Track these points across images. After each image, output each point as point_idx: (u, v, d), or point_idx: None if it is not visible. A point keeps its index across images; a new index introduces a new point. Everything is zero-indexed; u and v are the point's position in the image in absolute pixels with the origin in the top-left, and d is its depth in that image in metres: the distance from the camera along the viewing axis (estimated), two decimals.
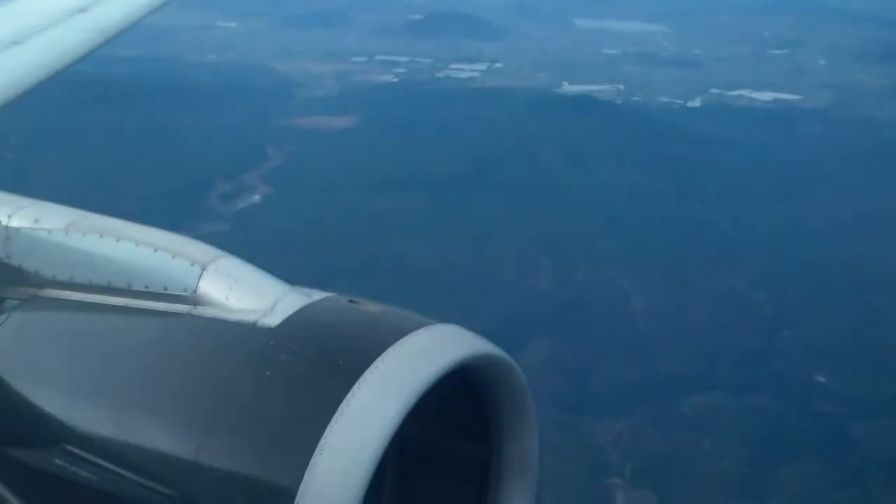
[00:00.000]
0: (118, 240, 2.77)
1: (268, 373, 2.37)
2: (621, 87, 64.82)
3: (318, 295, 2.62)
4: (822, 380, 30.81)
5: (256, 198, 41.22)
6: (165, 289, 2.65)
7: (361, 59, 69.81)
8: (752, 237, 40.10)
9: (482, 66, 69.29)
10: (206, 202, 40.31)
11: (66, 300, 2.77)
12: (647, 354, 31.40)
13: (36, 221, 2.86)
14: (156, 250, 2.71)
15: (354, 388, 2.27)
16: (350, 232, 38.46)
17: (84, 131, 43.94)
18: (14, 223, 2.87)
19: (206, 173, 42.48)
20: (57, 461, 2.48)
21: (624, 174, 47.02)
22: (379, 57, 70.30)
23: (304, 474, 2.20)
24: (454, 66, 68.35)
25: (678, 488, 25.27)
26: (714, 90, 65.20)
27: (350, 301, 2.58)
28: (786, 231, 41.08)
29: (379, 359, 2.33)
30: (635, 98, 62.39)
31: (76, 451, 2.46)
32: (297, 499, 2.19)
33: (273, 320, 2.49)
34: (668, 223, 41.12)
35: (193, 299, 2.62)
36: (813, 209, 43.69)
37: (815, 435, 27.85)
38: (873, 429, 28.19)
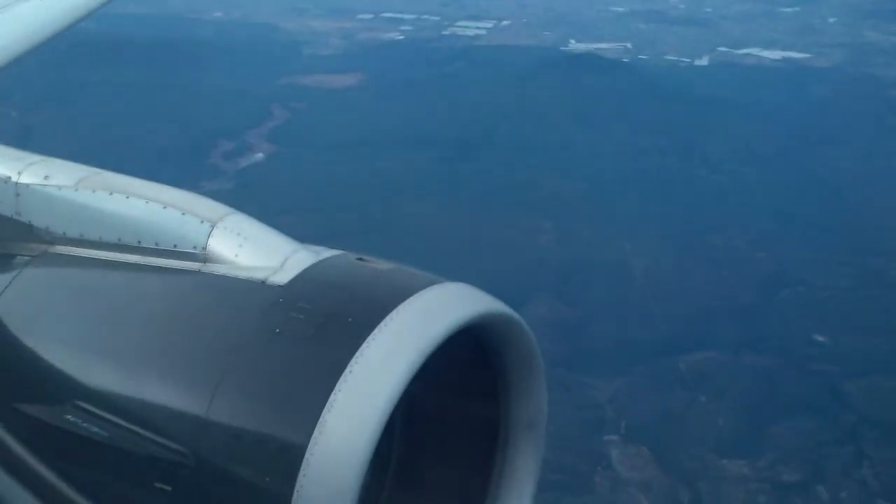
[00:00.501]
0: (128, 196, 2.76)
1: (277, 330, 2.37)
2: (629, 45, 64.38)
3: (327, 252, 2.62)
4: (819, 339, 30.96)
5: (259, 156, 41.34)
6: (175, 246, 2.65)
7: (367, 16, 69.44)
8: (755, 197, 40.09)
9: (489, 24, 68.84)
10: (209, 160, 40.48)
11: (76, 257, 2.76)
12: (646, 314, 31.60)
13: (46, 178, 2.85)
14: (165, 207, 2.70)
15: (364, 345, 2.28)
16: (353, 190, 38.61)
17: (88, 89, 44.06)
18: (24, 179, 2.85)
19: (210, 131, 42.58)
20: (69, 417, 2.48)
21: (629, 134, 46.90)
22: (385, 14, 69.91)
23: (313, 431, 2.20)
24: (460, 23, 67.92)
25: (672, 445, 25.56)
26: (722, 48, 64.70)
27: (359, 259, 2.59)
28: (789, 191, 41.04)
29: (388, 317, 2.33)
30: (643, 56, 62.01)
31: (87, 406, 2.46)
32: (307, 455, 2.20)
33: (282, 278, 2.49)
34: (672, 183, 41.15)
35: (203, 256, 2.62)
36: (818, 169, 43.61)
37: (810, 393, 28.06)
38: (868, 387, 28.40)
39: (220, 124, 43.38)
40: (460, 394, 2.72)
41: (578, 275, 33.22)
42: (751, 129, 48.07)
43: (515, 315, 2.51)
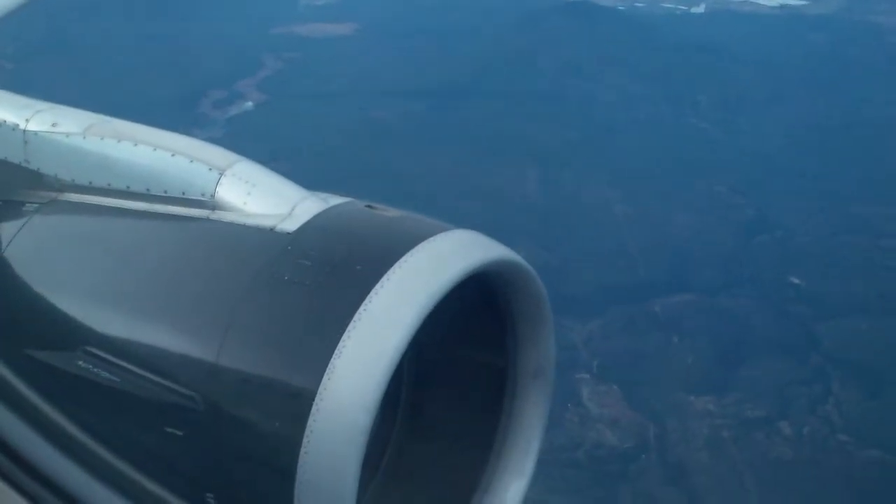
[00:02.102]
0: (136, 144, 2.75)
1: (286, 277, 2.38)
2: None
3: (335, 200, 2.61)
4: (795, 281, 31.47)
5: (249, 105, 41.74)
6: (184, 193, 2.65)
7: None
8: (742, 145, 40.38)
9: None
10: (199, 109, 40.90)
11: (85, 204, 2.76)
12: (626, 258, 32.14)
13: (54, 125, 2.84)
14: (174, 155, 2.71)
15: (372, 292, 2.28)
16: (343, 139, 39.05)
17: (79, 39, 44.42)
18: (32, 127, 2.85)
19: (202, 81, 42.95)
20: (80, 363, 2.49)
21: (622, 82, 47.05)
22: None
23: (322, 377, 2.22)
24: None
25: (642, 383, 26.26)
26: None
27: (367, 206, 2.59)
28: (777, 138, 41.29)
29: (397, 264, 2.33)
30: (638, 4, 61.79)
31: (98, 352, 2.49)
32: (316, 401, 2.21)
33: (291, 225, 2.50)
34: (660, 131, 41.39)
35: (212, 204, 2.62)
36: (809, 118, 43.73)
37: (782, 334, 28.67)
38: (839, 329, 28.97)
39: (211, 74, 43.72)
40: (469, 341, 2.76)
41: (561, 220, 33.72)
42: (745, 77, 48.13)
43: (524, 262, 2.52)
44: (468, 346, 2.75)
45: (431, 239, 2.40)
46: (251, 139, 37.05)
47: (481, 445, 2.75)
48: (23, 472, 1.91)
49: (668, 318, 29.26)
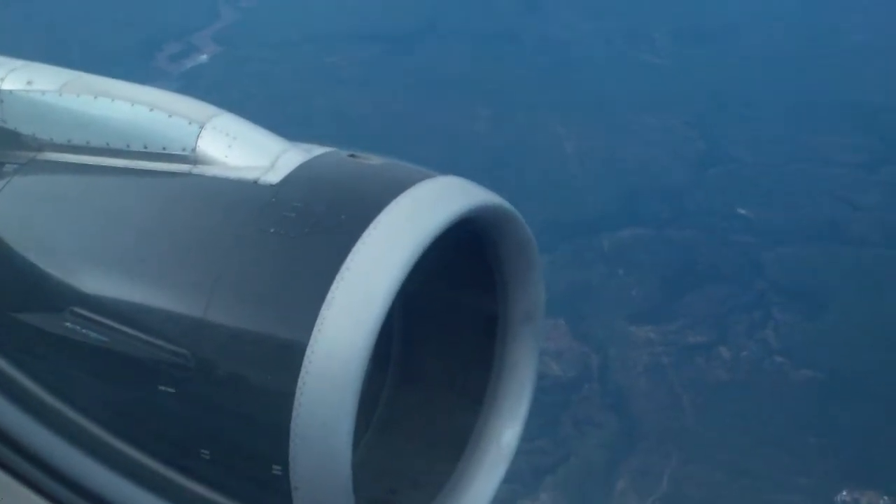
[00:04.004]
0: (113, 100, 2.71)
1: (272, 230, 2.37)
2: None
3: (318, 150, 2.59)
4: (742, 212, 31.89)
5: (203, 57, 41.70)
6: (164, 148, 2.61)
7: None
8: (697, 80, 40.45)
9: None
10: (154, 62, 40.84)
11: (64, 163, 2.71)
12: (574, 195, 32.51)
13: (29, 83, 2.79)
14: (152, 109, 2.66)
15: (359, 241, 2.27)
16: (297, 86, 39.12)
17: None
18: (6, 86, 2.80)
19: (156, 34, 42.79)
20: (67, 324, 2.48)
21: (578, 21, 46.94)
22: None
23: (313, 328, 2.21)
24: None
25: (587, 316, 26.77)
26: None
27: (350, 155, 2.56)
28: (733, 70, 41.35)
29: (383, 212, 2.32)
30: None
31: (85, 312, 2.46)
32: (308, 352, 2.21)
33: (274, 177, 2.48)
34: (613, 69, 41.48)
35: (193, 158, 2.58)
36: (764, 48, 43.78)
37: (726, 263, 29.18)
38: (783, 256, 29.50)
39: (167, 27, 43.56)
40: (458, 288, 2.76)
41: (511, 159, 33.99)
42: (703, 12, 48.06)
43: (510, 207, 2.53)
44: (457, 293, 2.77)
45: (416, 186, 2.38)
46: (205, 92, 37.19)
47: (473, 393, 2.77)
48: (11, 452, 1.79)
49: (615, 252, 29.71)
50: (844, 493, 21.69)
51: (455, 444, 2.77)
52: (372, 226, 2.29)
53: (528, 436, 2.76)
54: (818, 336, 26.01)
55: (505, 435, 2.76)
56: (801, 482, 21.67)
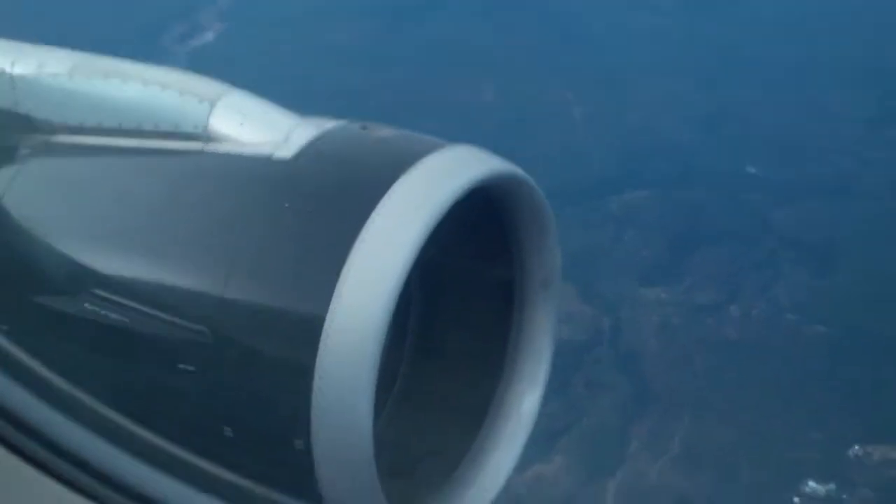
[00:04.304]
0: (124, 81, 2.70)
1: (286, 204, 2.37)
2: None
3: (329, 123, 2.59)
4: (752, 171, 31.73)
5: (209, 35, 41.74)
6: (177, 127, 2.61)
7: None
8: (701, 39, 40.16)
9: None
10: (160, 43, 40.93)
11: (78, 145, 2.70)
12: (582, 159, 32.43)
13: (40, 67, 2.78)
14: (163, 89, 2.66)
15: (374, 213, 2.27)
16: (302, 62, 39.16)
17: None
18: (18, 70, 2.79)
19: (160, 15, 42.87)
20: (87, 305, 2.47)
21: None
22: None
23: (329, 302, 2.21)
24: None
25: (596, 279, 26.77)
26: None
27: (363, 127, 2.57)
28: (738, 29, 40.97)
29: (397, 183, 2.31)
30: None
31: (105, 294, 2.45)
32: (326, 325, 2.22)
33: (287, 152, 2.48)
34: (619, 33, 41.19)
35: (205, 136, 2.58)
36: (771, 5, 43.35)
37: (736, 222, 29.09)
38: (793, 212, 29.39)
39: (170, 7, 43.60)
40: (473, 257, 2.77)
41: (518, 127, 33.90)
42: None
43: (524, 174, 2.54)
44: (472, 262, 2.78)
45: (429, 156, 2.39)
46: (212, 70, 37.11)
47: (492, 361, 2.78)
48: (29, 440, 1.74)
49: (623, 214, 29.67)
50: (857, 447, 21.73)
51: (476, 413, 2.77)
52: (386, 197, 2.29)
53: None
54: (829, 292, 25.96)
55: (525, 401, 2.77)
56: (814, 438, 21.72)
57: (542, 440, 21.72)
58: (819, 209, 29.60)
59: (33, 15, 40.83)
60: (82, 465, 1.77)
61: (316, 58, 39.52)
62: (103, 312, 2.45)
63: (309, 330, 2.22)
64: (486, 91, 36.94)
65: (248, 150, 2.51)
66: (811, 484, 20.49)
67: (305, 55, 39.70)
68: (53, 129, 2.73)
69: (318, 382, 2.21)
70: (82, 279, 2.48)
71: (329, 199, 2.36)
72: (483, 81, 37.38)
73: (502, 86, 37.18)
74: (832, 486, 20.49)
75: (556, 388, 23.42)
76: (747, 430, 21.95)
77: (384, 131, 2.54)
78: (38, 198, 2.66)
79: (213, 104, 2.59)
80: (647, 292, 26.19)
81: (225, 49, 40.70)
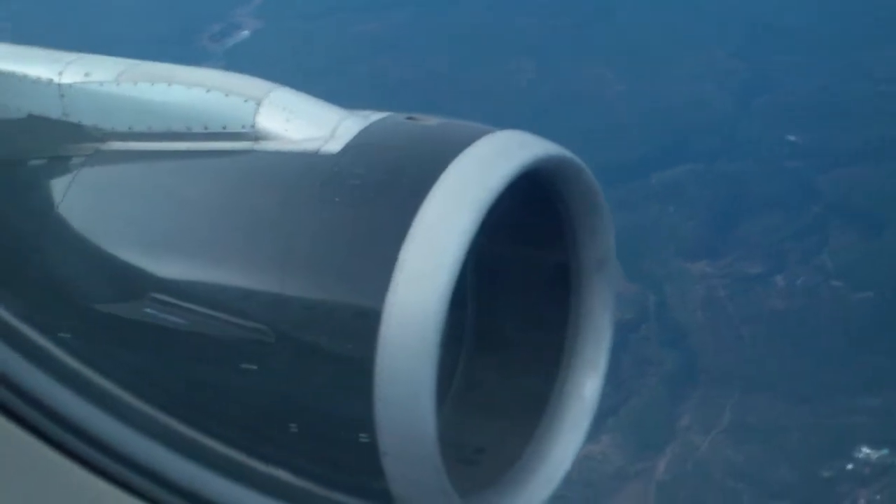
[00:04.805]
0: (170, 84, 2.71)
1: (337, 199, 2.39)
2: None
3: (375, 116, 2.59)
4: (792, 138, 31.51)
5: (245, 33, 42.21)
6: (224, 127, 2.63)
7: None
8: (735, 8, 39.77)
9: None
10: (198, 44, 41.48)
11: (129, 151, 2.72)
12: (623, 137, 32.40)
13: (86, 75, 2.79)
14: (209, 90, 2.67)
15: (425, 202, 2.28)
16: (338, 54, 39.46)
17: None
18: (65, 79, 2.80)
19: (196, 16, 43.43)
20: (147, 310, 2.50)
21: None
22: None
23: (386, 294, 2.22)
24: None
25: (641, 256, 26.81)
26: None
27: (408, 118, 2.57)
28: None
29: (446, 171, 2.32)
30: None
31: (164, 297, 2.48)
32: (383, 318, 2.23)
33: (335, 146, 2.49)
34: (653, 7, 40.96)
35: (253, 135, 2.60)
36: None
37: (779, 191, 28.96)
38: (837, 178, 29.18)
39: (206, 8, 44.13)
40: (527, 242, 2.75)
41: (556, 108, 33.94)
42: None
43: (573, 156, 2.50)
44: (526, 247, 2.76)
45: (477, 143, 2.38)
46: (250, 68, 37.53)
47: (551, 347, 2.75)
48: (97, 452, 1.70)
49: (665, 190, 29.67)
50: None
51: (537, 400, 2.76)
52: (436, 186, 2.29)
53: None
54: (876, 256, 25.78)
55: (587, 387, 2.75)
56: (865, 404, 21.66)
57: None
58: (863, 173, 29.36)
59: (71, 21, 41.66)
60: (146, 473, 1.77)
61: (351, 49, 39.77)
62: (163, 316, 2.48)
63: (367, 322, 2.24)
64: (524, 74, 36.97)
65: (296, 147, 2.54)
66: (864, 450, 20.46)
67: (341, 47, 39.98)
68: (104, 136, 2.76)
69: (379, 375, 2.24)
70: (141, 284, 2.51)
71: (379, 191, 2.37)
72: (519, 64, 37.41)
73: (539, 68, 37.19)
74: (885, 451, 20.45)
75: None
76: (798, 400, 21.94)
77: (430, 120, 2.54)
78: (92, 206, 2.70)
79: (258, 103, 2.60)
80: (691, 267, 26.20)
81: (261, 46, 41.11)
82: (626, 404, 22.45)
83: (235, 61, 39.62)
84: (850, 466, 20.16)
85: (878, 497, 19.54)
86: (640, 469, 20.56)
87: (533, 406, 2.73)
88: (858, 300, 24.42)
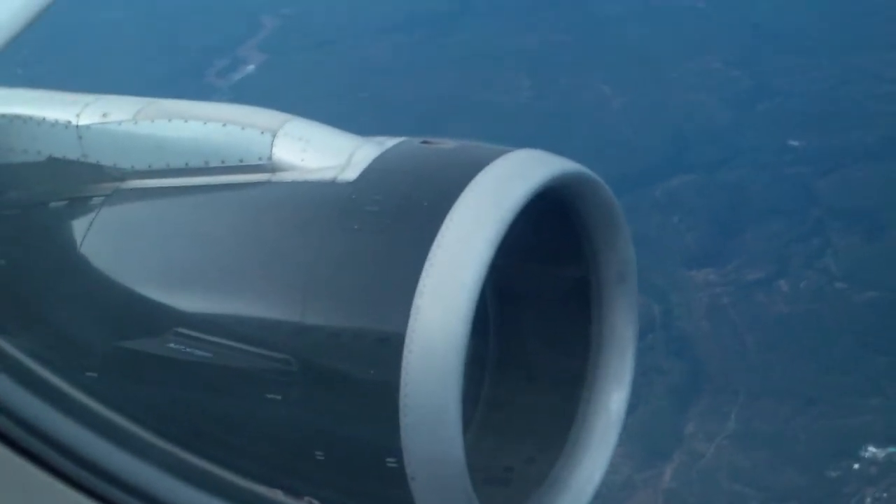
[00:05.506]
0: (186, 120, 2.77)
1: (356, 227, 2.39)
2: None
3: (390, 142, 2.63)
4: (794, 143, 31.60)
5: (251, 68, 42.85)
6: (241, 161, 2.65)
7: None
8: (733, 16, 40.05)
9: None
10: (204, 80, 42.13)
11: (148, 188, 2.75)
12: (625, 149, 32.59)
13: (104, 115, 2.85)
14: (224, 124, 2.72)
15: (443, 226, 2.29)
16: (341, 81, 40.02)
17: (80, 31, 45.87)
18: (84, 121, 2.85)
19: (202, 52, 44.13)
20: (171, 345, 2.50)
21: None
22: None
23: (408, 319, 2.23)
24: None
25: (645, 267, 26.37)
26: None
27: (423, 142, 2.62)
28: (768, 5, 40.79)
29: (463, 193, 2.34)
30: None
31: (188, 332, 2.49)
32: (407, 342, 2.23)
33: (351, 174, 2.51)
34: (651, 19, 41.30)
35: (270, 166, 2.63)
36: None
37: (781, 197, 29.06)
38: (838, 180, 29.26)
39: (211, 45, 44.82)
40: (547, 259, 2.77)
41: (556, 123, 34.28)
42: None
43: (589, 172, 2.57)
44: (546, 264, 2.78)
45: (493, 164, 2.42)
46: (256, 101, 38.15)
47: (576, 363, 2.78)
48: (123, 491, 1.66)
49: (668, 200, 29.83)
50: None
51: (563, 416, 2.77)
52: (453, 209, 2.31)
53: None
54: (879, 257, 25.85)
55: (613, 400, 2.78)
56: (871, 403, 21.71)
57: None
58: (864, 174, 29.45)
59: (80, 63, 42.41)
60: None
61: (356, 75, 40.35)
62: (188, 350, 2.48)
63: (390, 348, 2.25)
64: (523, 91, 37.38)
65: (313, 177, 2.56)
66: (870, 449, 20.53)
67: (346, 74, 40.55)
68: (123, 175, 2.80)
69: (404, 400, 2.23)
70: (166, 320, 2.52)
71: (397, 218, 2.38)
72: (519, 82, 37.83)
73: (538, 85, 37.59)
74: (892, 448, 20.50)
75: None
76: (803, 402, 22.03)
77: (446, 144, 2.59)
78: (114, 244, 2.73)
79: (274, 134, 2.66)
80: (696, 275, 26.36)
81: (268, 79, 41.74)
82: (633, 413, 22.41)
83: (242, 95, 40.26)
84: (856, 466, 20.24)
85: (885, 495, 19.59)
86: (648, 477, 20.69)
87: (559, 422, 2.77)
88: (863, 301, 24.50)
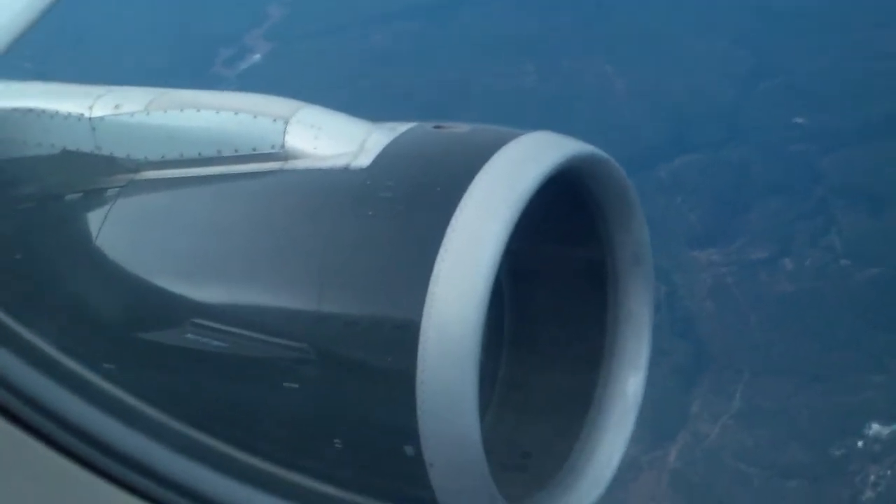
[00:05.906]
0: (199, 110, 2.81)
1: (370, 213, 2.42)
2: None
3: (402, 127, 2.66)
4: (798, 121, 31.56)
5: (257, 57, 43.00)
6: (254, 149, 2.70)
7: None
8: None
9: None
10: (212, 69, 42.33)
11: (162, 179, 2.78)
12: (629, 130, 32.60)
13: (116, 107, 2.88)
14: (237, 113, 2.76)
15: (457, 211, 2.31)
16: (347, 69, 40.12)
17: (89, 26, 46.08)
18: (96, 113, 2.88)
19: (209, 41, 44.30)
20: (188, 335, 2.53)
21: None
22: None
23: (423, 305, 2.25)
24: None
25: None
26: None
27: (436, 126, 2.64)
28: None
29: (476, 177, 2.36)
30: None
31: (204, 322, 2.52)
32: (422, 329, 2.25)
33: (364, 160, 2.54)
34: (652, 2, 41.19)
35: (283, 154, 2.66)
36: None
37: (785, 175, 29.07)
38: (843, 158, 29.23)
39: (218, 33, 44.98)
40: (562, 242, 2.79)
41: (560, 106, 34.34)
42: None
43: (602, 153, 2.56)
44: (561, 246, 2.80)
45: (506, 147, 2.44)
46: (263, 89, 38.30)
47: (592, 346, 2.79)
48: (142, 476, 1.67)
49: (672, 181, 29.89)
50: None
51: (580, 400, 2.80)
52: (467, 193, 2.33)
53: None
54: (884, 234, 25.85)
55: (629, 384, 2.79)
56: (875, 380, 21.78)
57: None
58: (869, 151, 29.42)
59: (87, 56, 42.63)
60: (194, 495, 1.73)
61: (362, 63, 40.43)
62: (205, 340, 2.51)
63: (406, 335, 2.26)
64: (528, 76, 37.40)
65: (326, 164, 2.60)
66: (875, 426, 20.63)
67: (352, 62, 40.65)
68: (136, 166, 2.83)
69: (420, 387, 2.25)
70: (182, 310, 2.56)
71: (411, 202, 2.40)
72: (523, 66, 37.84)
73: (542, 68, 37.59)
74: (895, 426, 20.61)
75: None
76: (807, 378, 22.14)
77: (458, 128, 2.61)
78: (130, 236, 2.76)
79: (286, 122, 2.69)
80: (699, 255, 26.46)
81: (274, 67, 41.89)
82: None
83: (249, 84, 40.44)
84: (860, 444, 20.36)
85: (889, 472, 19.71)
86: (653, 458, 20.86)
87: (576, 406, 2.81)
88: (868, 278, 24.53)
